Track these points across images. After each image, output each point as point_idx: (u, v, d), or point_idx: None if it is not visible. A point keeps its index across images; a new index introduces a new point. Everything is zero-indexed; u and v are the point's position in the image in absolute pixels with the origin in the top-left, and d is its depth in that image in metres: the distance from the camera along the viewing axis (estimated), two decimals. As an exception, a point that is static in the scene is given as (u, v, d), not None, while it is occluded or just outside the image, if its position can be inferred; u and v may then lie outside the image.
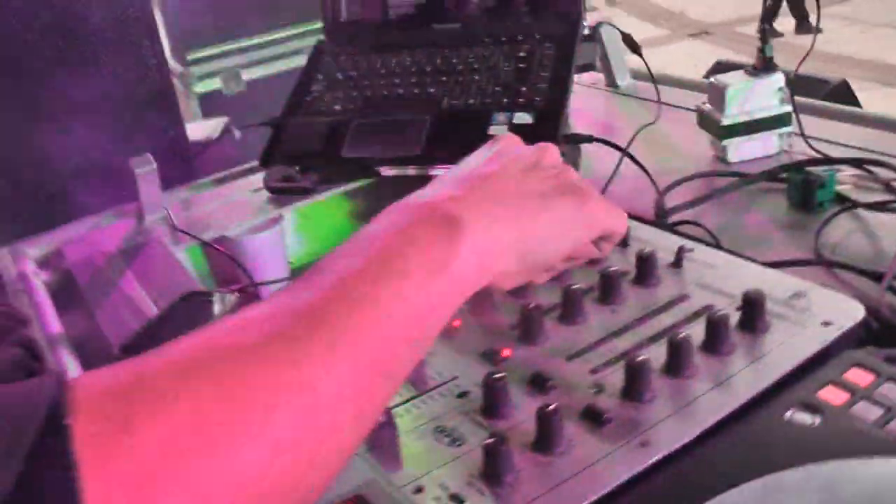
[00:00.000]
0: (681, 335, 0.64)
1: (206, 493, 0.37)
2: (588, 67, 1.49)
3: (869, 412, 0.59)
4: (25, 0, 1.52)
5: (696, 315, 0.71)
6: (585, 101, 1.50)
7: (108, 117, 1.62)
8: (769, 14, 1.24)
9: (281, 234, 1.17)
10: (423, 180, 1.24)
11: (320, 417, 0.42)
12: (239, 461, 0.38)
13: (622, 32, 1.43)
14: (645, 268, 0.76)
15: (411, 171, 1.23)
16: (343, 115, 1.32)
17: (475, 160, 0.63)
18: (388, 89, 1.34)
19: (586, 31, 1.37)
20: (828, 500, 0.53)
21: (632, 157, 1.15)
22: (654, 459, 0.57)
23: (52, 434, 0.34)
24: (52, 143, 1.55)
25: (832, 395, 0.61)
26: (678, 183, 1.12)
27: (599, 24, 1.46)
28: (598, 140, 1.19)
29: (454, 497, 0.56)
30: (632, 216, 0.81)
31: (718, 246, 0.91)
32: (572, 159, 1.22)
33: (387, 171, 1.24)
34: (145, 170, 1.24)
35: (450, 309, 0.52)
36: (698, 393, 0.63)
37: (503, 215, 0.57)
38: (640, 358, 0.62)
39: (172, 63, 3.45)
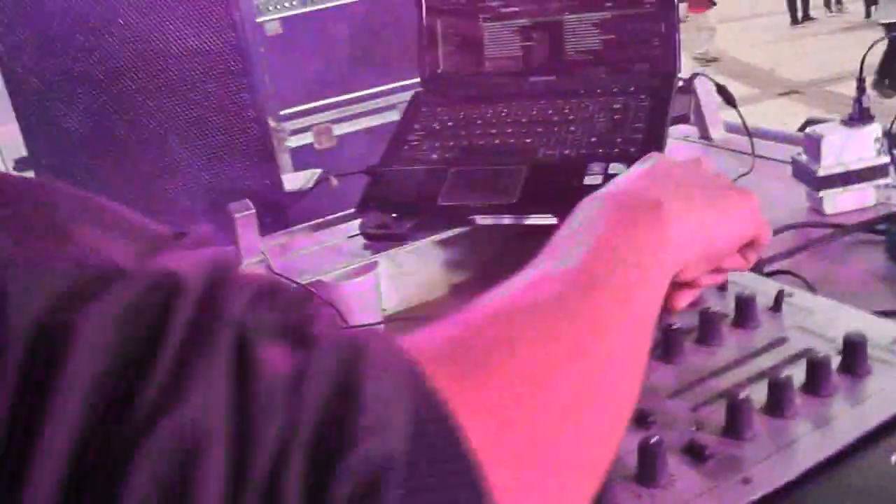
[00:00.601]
0: (782, 374, 0.65)
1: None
2: (682, 119, 1.51)
3: (977, 457, 0.58)
4: (128, 53, 1.60)
5: (795, 357, 0.72)
6: (679, 153, 1.51)
7: (207, 165, 1.69)
8: (883, 71, 1.24)
9: (376, 280, 1.19)
10: (519, 230, 1.26)
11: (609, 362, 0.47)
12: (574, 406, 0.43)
13: (717, 84, 1.44)
14: (744, 310, 0.77)
15: (506, 220, 1.25)
16: (440, 164, 1.35)
17: (637, 168, 0.64)
18: (484, 139, 1.37)
19: (681, 84, 1.39)
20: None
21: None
22: (756, 496, 0.58)
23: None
24: (152, 190, 1.62)
25: (938, 441, 0.61)
26: (774, 234, 1.12)
27: (695, 75, 1.47)
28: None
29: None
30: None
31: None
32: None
33: (482, 220, 1.27)
34: (244, 214, 1.28)
35: (663, 289, 0.55)
36: (800, 433, 0.63)
37: (692, 203, 0.60)
38: (742, 395, 0.63)
39: (270, 121, 3.57)
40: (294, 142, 3.27)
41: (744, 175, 1.30)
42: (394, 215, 1.31)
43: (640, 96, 1.33)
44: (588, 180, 1.24)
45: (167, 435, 0.29)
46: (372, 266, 1.20)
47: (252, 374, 0.32)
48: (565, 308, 0.46)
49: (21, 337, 0.29)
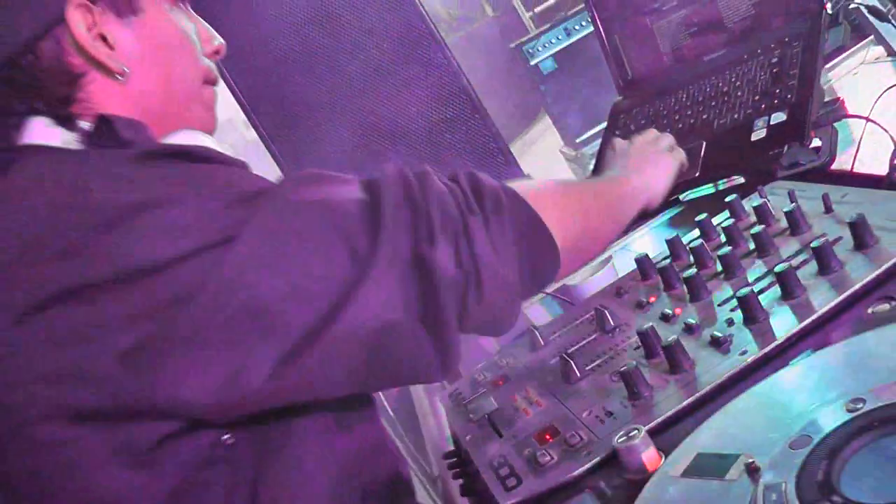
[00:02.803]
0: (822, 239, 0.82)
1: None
2: (842, 50, 1.57)
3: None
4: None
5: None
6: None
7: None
8: None
9: (613, 271, 1.41)
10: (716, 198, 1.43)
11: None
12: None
13: (866, 5, 1.50)
14: (792, 219, 0.92)
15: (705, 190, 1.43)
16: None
17: (614, 156, 1.34)
18: (671, 126, 1.55)
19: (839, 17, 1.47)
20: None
21: (874, 122, 1.25)
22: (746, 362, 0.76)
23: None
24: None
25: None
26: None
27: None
28: (848, 116, 1.31)
29: (608, 413, 0.80)
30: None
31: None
32: (828, 141, 1.33)
33: (685, 197, 1.45)
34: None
35: (638, 202, 1.21)
36: (805, 303, 0.79)
37: (637, 171, 1.26)
38: (744, 292, 0.81)
39: (566, 150, 3.88)
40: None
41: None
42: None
43: (794, 43, 1.45)
44: (754, 136, 1.39)
45: None
46: (607, 260, 1.42)
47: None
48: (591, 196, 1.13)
49: None
